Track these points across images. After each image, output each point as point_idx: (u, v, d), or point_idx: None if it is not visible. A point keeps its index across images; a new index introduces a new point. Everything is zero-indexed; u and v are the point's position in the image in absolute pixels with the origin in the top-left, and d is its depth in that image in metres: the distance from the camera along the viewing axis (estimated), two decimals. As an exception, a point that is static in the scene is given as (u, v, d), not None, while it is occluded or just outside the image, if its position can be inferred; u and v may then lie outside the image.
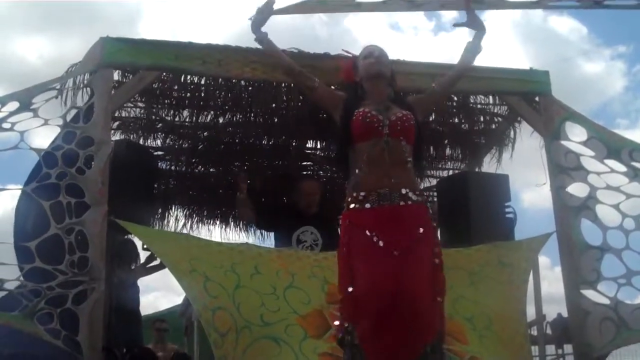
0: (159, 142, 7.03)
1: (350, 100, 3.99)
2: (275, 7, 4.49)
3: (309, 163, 7.65)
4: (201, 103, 6.34)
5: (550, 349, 9.99)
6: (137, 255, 6.83)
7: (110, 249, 4.93)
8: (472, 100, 6.46)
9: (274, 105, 6.13)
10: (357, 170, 3.75)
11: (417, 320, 3.48)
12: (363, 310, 3.50)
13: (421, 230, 3.69)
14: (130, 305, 6.67)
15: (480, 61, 4.72)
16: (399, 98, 4.08)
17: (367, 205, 3.66)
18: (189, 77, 5.85)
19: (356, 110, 3.82)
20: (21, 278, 4.42)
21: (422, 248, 3.66)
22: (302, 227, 6.05)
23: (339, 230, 3.93)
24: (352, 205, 3.72)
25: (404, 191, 3.67)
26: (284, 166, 7.31)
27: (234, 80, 5.76)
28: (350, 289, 3.56)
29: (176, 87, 6.09)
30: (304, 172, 7.64)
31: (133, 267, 6.83)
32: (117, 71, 5.34)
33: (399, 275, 3.49)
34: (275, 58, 4.47)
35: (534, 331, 6.14)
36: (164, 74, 5.62)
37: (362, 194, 3.67)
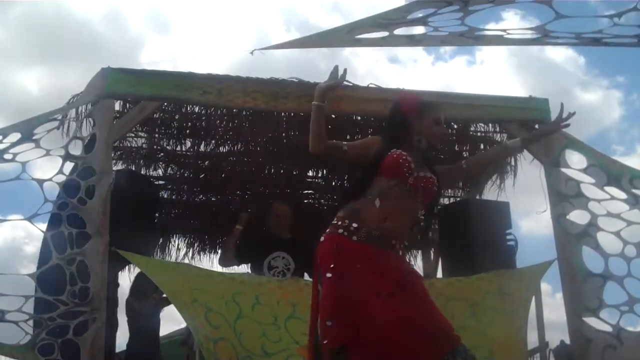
0: (160, 171, 7.06)
1: (389, 140, 3.82)
2: (277, 42, 4.46)
3: (310, 191, 7.67)
4: (202, 132, 6.37)
5: (554, 376, 9.93)
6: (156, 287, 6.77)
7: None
8: (472, 128, 6.48)
9: (274, 134, 6.15)
10: (363, 199, 3.71)
11: (427, 341, 3.43)
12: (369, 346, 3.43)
13: (409, 270, 3.67)
14: (149, 337, 6.63)
15: (478, 89, 4.75)
16: (429, 161, 3.91)
17: (354, 238, 3.57)
18: (189, 107, 5.89)
19: (393, 150, 3.72)
20: (22, 309, 4.42)
21: (415, 283, 3.62)
22: (273, 253, 5.90)
23: (316, 250, 3.79)
24: (339, 231, 3.62)
25: (393, 242, 3.61)
26: (285, 195, 7.32)
27: (234, 110, 5.80)
28: (329, 323, 3.50)
29: (177, 117, 6.14)
30: (305, 201, 7.65)
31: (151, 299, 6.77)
32: (119, 101, 5.38)
33: (400, 309, 3.44)
34: (316, 130, 3.93)
35: (537, 359, 6.10)
36: (165, 104, 5.66)
37: (355, 225, 3.59)
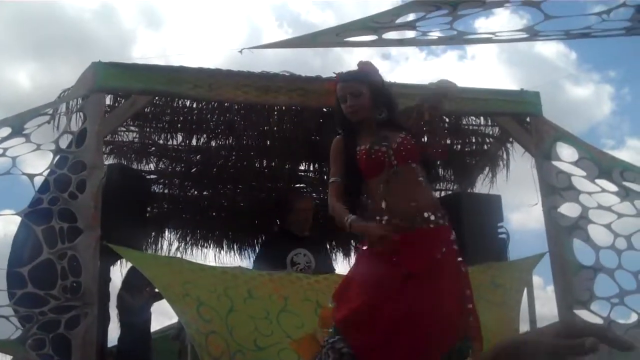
0: (152, 165, 7.03)
1: (348, 139, 3.88)
2: (268, 39, 4.47)
3: (302, 185, 7.66)
4: (194, 126, 6.36)
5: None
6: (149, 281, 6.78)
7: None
8: (464, 122, 6.48)
9: (266, 127, 6.14)
10: (375, 201, 3.68)
11: (424, 342, 3.44)
12: (363, 328, 3.48)
13: (443, 250, 3.65)
14: (141, 331, 6.61)
15: (470, 84, 4.73)
16: (390, 120, 3.90)
17: None
18: (181, 101, 5.88)
19: (358, 148, 3.76)
20: (13, 304, 4.41)
21: (442, 270, 3.60)
22: (295, 249, 5.96)
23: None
24: None
25: (425, 215, 3.62)
26: (277, 188, 7.32)
27: (226, 104, 5.79)
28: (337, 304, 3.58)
29: (168, 111, 6.12)
30: (297, 187, 7.64)
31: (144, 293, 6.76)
32: (110, 96, 5.35)
33: (407, 299, 3.45)
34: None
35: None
36: (156, 98, 5.64)
37: (386, 217, 3.60)
